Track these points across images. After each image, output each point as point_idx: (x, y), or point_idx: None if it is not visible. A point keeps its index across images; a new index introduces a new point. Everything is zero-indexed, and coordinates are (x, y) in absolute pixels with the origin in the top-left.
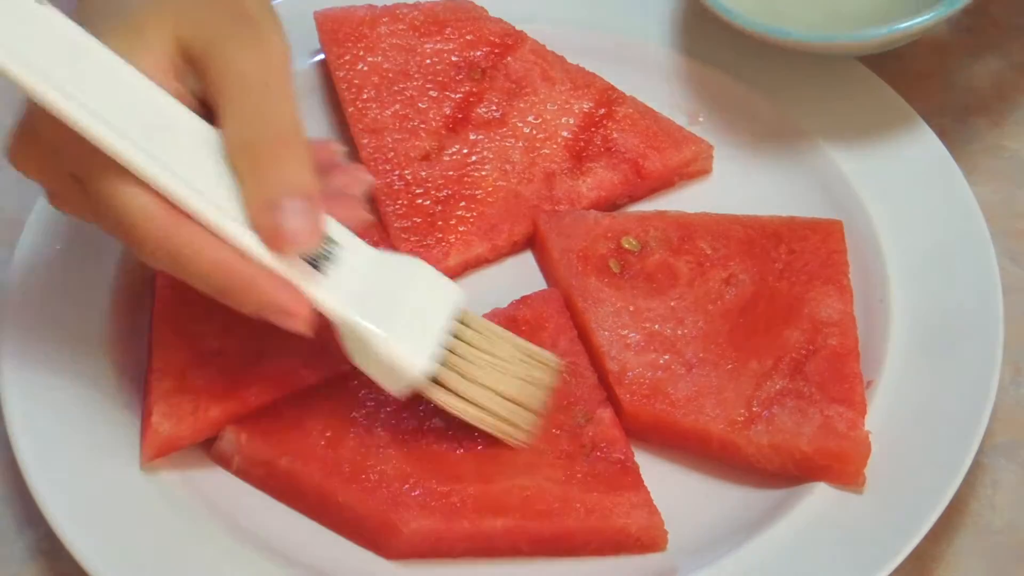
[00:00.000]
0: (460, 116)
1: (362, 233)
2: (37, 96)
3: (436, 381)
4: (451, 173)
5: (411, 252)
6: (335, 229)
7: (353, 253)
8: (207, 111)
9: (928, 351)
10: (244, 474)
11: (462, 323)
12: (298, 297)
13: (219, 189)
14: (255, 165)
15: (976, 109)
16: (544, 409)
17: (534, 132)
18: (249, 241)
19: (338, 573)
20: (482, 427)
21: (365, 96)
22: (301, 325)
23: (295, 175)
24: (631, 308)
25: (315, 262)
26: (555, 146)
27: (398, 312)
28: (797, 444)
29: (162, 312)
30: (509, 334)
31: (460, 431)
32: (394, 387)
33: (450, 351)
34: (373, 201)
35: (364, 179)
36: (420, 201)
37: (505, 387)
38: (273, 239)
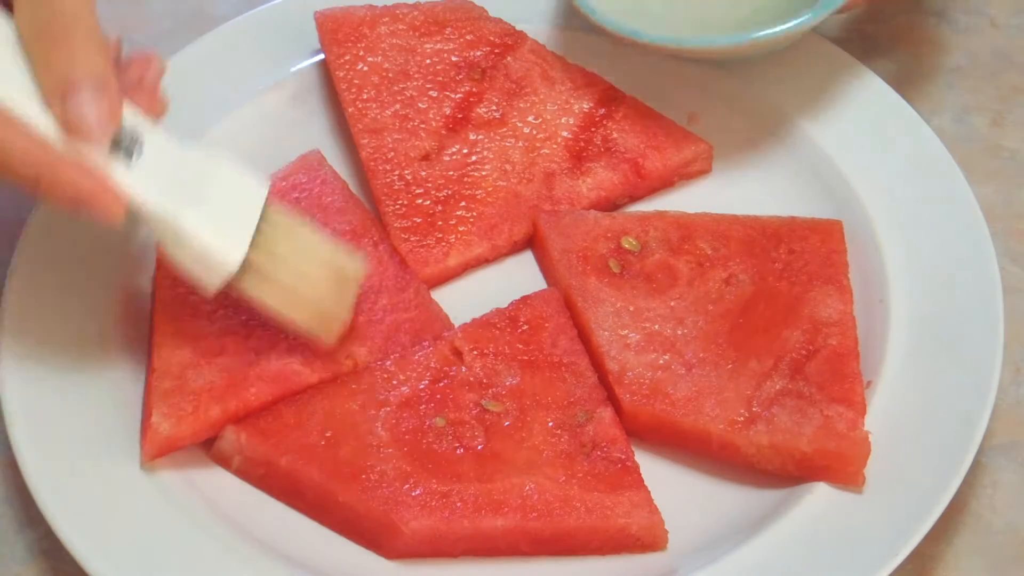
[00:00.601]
0: (460, 116)
1: (362, 232)
2: None
3: (249, 271)
4: (451, 173)
5: (411, 252)
6: (139, 121)
7: (159, 144)
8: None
9: (928, 351)
10: (244, 474)
11: (269, 215)
12: (106, 186)
13: (20, 78)
14: (46, 51)
15: (976, 109)
16: (351, 308)
17: (534, 132)
18: (47, 128)
19: (338, 573)
20: (290, 322)
21: (365, 96)
22: (114, 216)
23: (85, 60)
24: (631, 308)
25: (121, 152)
26: (555, 146)
27: (209, 204)
28: (797, 444)
29: (162, 312)
30: (312, 228)
31: (460, 431)
32: (208, 279)
33: (259, 244)
34: (373, 201)
35: (157, 65)
36: (420, 201)
37: (313, 284)
38: (69, 125)
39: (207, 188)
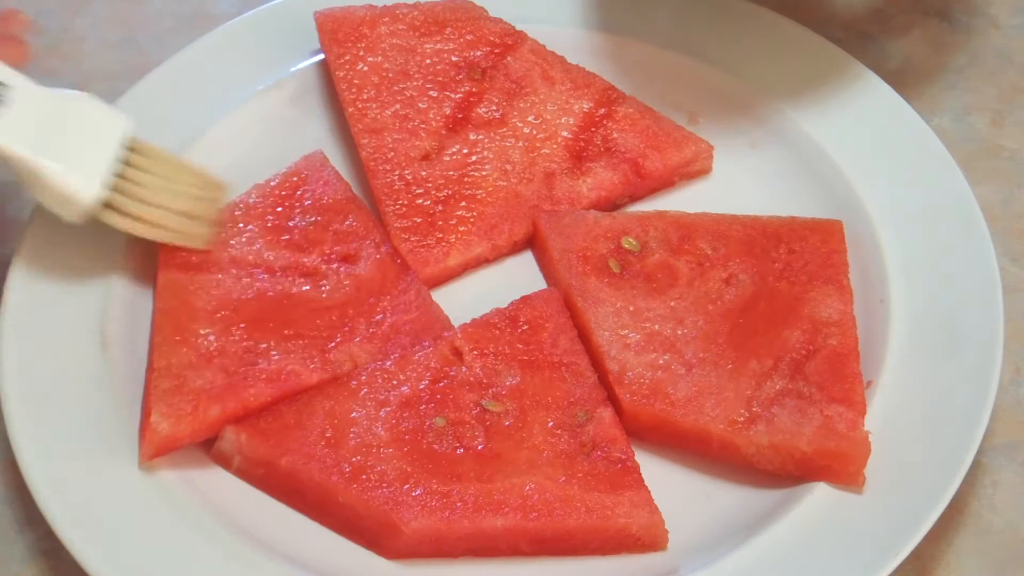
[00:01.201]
0: (460, 116)
1: (364, 234)
2: None
3: (110, 206)
4: (451, 173)
5: (411, 252)
6: (3, 71)
7: (22, 92)
8: None
9: (928, 351)
10: (244, 474)
11: (133, 151)
12: None
13: None
14: None
15: (976, 109)
16: (215, 219)
17: (534, 132)
18: None
19: (338, 573)
20: (157, 239)
21: (365, 96)
22: None
23: None
24: (631, 308)
25: None
26: (555, 146)
27: (68, 144)
28: (797, 444)
29: (162, 312)
30: (177, 158)
31: (460, 431)
32: (70, 216)
33: (122, 177)
34: (373, 201)
35: (21, 18)
36: (420, 201)
37: (176, 203)
38: None
39: (67, 129)
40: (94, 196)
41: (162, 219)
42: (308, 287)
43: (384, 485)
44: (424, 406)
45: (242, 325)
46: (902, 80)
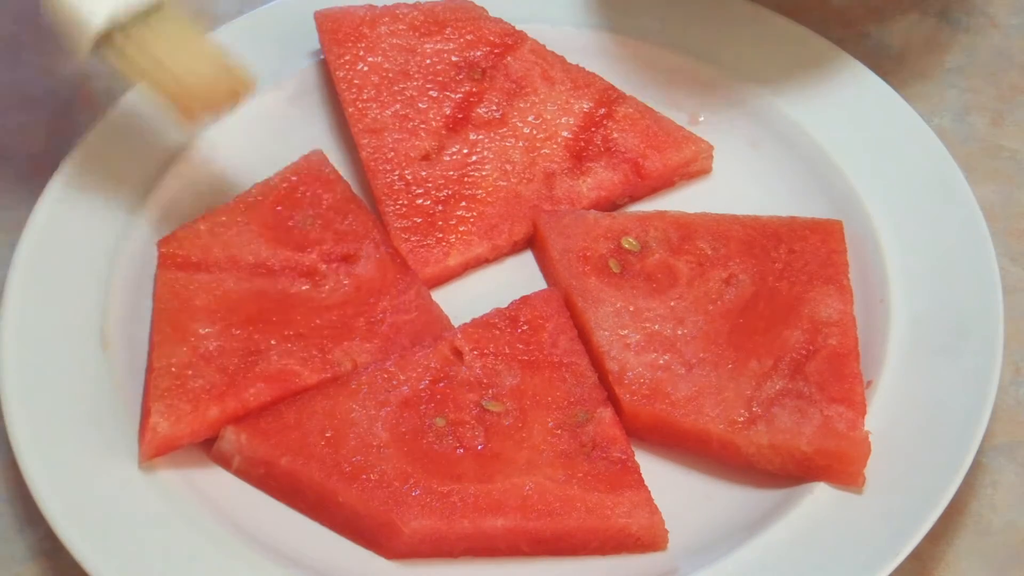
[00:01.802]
0: (460, 116)
1: (364, 234)
2: None
3: (116, 46)
4: (451, 173)
5: (411, 252)
6: None
7: None
8: None
9: (928, 351)
10: (244, 474)
11: (164, 16)
12: None
13: None
14: None
15: (976, 109)
16: (216, 106)
17: (534, 132)
18: None
19: (338, 573)
20: (150, 89)
21: (365, 96)
22: None
23: None
24: (631, 308)
25: None
26: (555, 146)
27: None
28: (797, 444)
29: (162, 312)
30: (208, 40)
31: (460, 431)
32: (74, 44)
33: (140, 26)
34: (373, 201)
35: None
36: (420, 201)
37: (183, 72)
38: None
39: None
40: (101, 23)
41: (161, 75)
42: (308, 287)
43: (384, 485)
44: (424, 406)
45: (242, 325)
46: (902, 80)
